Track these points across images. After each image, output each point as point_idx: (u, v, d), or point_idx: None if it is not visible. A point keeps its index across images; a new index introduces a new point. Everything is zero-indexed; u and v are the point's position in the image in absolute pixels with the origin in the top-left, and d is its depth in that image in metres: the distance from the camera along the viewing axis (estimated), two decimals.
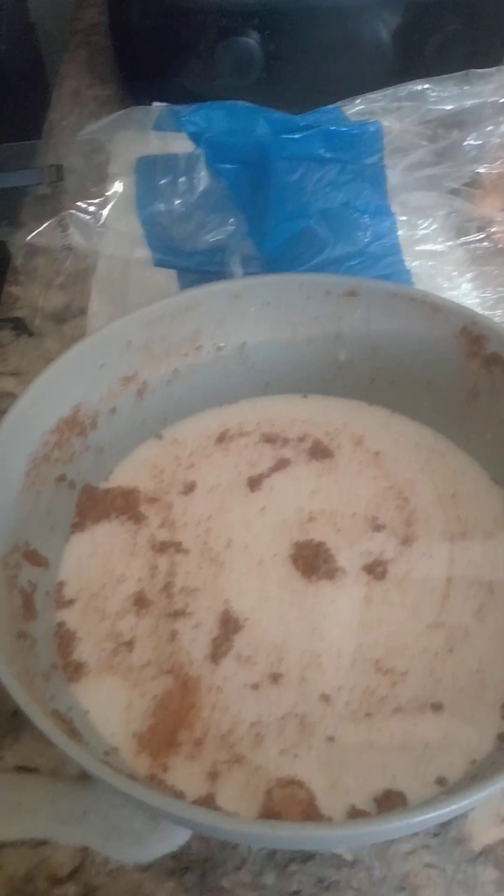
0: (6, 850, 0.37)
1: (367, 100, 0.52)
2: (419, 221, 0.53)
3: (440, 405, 0.48)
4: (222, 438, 0.48)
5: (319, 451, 0.48)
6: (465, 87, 0.52)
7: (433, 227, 0.53)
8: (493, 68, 0.53)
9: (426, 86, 0.52)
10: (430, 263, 0.53)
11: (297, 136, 0.51)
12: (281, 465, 0.47)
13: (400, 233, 0.53)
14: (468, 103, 0.52)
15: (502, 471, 0.45)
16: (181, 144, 0.53)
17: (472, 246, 0.54)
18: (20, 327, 0.56)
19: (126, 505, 0.45)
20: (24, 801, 0.38)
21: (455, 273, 0.54)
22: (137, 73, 0.72)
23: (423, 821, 0.30)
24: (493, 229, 0.54)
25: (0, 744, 0.39)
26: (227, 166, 0.52)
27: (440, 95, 0.52)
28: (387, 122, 0.52)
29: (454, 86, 0.52)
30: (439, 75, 0.55)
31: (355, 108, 0.52)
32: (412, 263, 0.53)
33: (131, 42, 0.72)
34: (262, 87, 0.66)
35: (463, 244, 0.54)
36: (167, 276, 0.53)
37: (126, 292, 0.54)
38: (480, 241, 0.54)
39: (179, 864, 0.36)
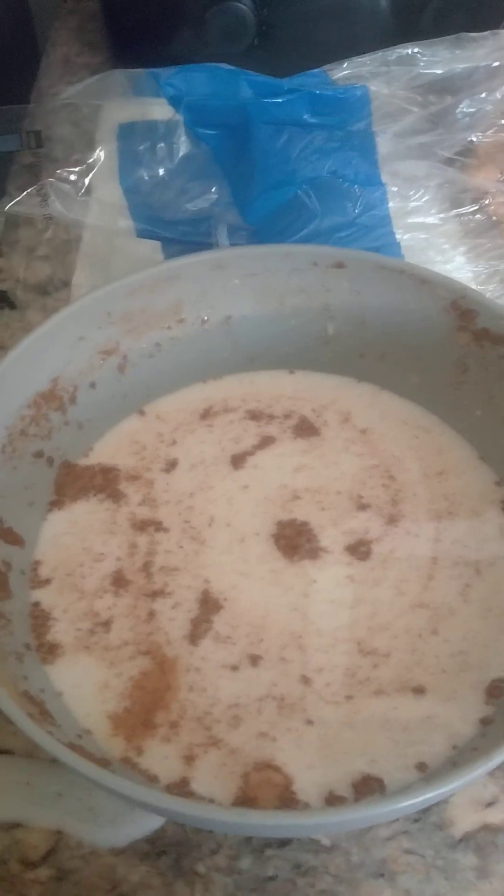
0: None
1: (353, 63, 0.50)
2: (411, 192, 0.51)
3: (429, 381, 0.46)
4: (206, 415, 0.47)
5: (305, 429, 0.47)
6: (457, 51, 0.50)
7: (425, 198, 0.51)
8: (487, 32, 0.51)
9: (416, 49, 0.50)
10: (422, 236, 0.52)
11: (280, 100, 0.49)
12: (266, 442, 0.46)
13: (391, 204, 0.51)
14: (459, 67, 0.50)
15: (490, 448, 0.44)
16: (165, 110, 0.51)
17: (466, 218, 0.52)
18: (2, 300, 0.55)
19: (105, 483, 0.44)
20: None
21: (447, 246, 0.52)
22: (128, 40, 0.71)
23: (399, 808, 0.29)
24: (486, 201, 0.52)
25: None
26: (209, 131, 0.50)
27: (430, 59, 0.50)
28: (374, 87, 0.50)
29: (445, 50, 0.50)
30: None
31: (342, 72, 0.50)
32: (403, 236, 0.52)
33: (121, 8, 0.70)
34: (255, 54, 0.64)
35: (456, 216, 0.52)
36: (152, 248, 0.52)
37: (110, 264, 0.52)
38: (474, 213, 0.52)
39: (154, 848, 0.36)
